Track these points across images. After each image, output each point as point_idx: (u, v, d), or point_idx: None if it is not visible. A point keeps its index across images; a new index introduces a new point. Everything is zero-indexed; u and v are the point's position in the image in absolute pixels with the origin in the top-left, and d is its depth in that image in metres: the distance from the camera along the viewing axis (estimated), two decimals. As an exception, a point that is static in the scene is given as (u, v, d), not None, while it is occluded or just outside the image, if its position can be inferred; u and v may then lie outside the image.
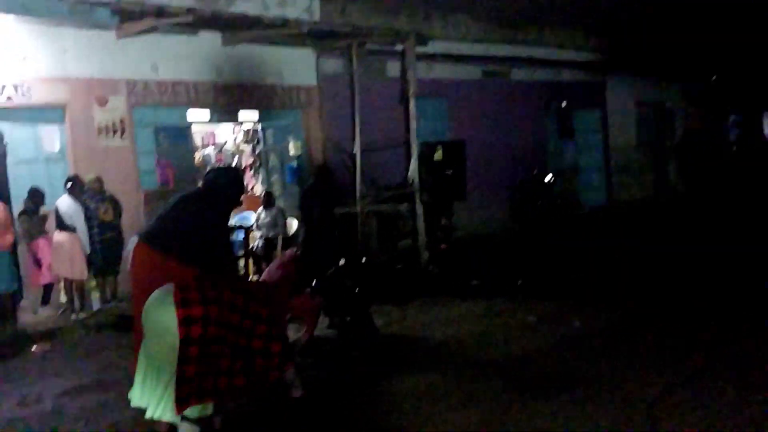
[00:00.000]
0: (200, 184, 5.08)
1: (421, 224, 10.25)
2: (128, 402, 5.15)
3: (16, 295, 8.73)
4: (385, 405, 5.08)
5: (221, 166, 6.13)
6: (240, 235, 10.96)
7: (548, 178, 14.88)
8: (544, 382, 5.37)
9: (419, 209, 10.41)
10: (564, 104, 16.23)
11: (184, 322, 3.72)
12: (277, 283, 5.49)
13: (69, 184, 9.07)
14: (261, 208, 11.20)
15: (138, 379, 3.95)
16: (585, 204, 16.84)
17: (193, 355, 3.73)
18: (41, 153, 10.39)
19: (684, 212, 14.82)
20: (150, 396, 3.88)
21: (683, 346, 6.04)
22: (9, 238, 8.36)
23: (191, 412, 3.96)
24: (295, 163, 12.43)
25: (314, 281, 6.52)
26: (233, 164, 13.92)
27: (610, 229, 13.75)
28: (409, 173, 11.04)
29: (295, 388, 5.22)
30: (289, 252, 7.57)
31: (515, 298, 8.39)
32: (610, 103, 17.61)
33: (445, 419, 4.68)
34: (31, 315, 8.96)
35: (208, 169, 8.63)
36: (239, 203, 5.15)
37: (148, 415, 3.89)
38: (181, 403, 3.75)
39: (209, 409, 4.10)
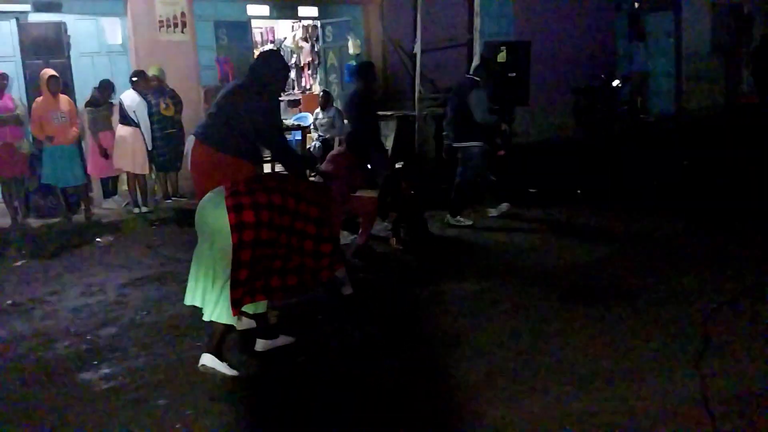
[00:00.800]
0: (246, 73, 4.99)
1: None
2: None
3: (84, 187, 8.98)
4: (435, 309, 5.13)
5: (264, 52, 5.97)
6: (297, 136, 10.97)
7: (615, 83, 14.32)
8: (597, 292, 5.31)
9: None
10: (636, 5, 15.39)
11: (237, 228, 3.76)
12: (328, 180, 5.49)
13: (134, 79, 9.13)
14: (318, 108, 11.11)
15: (191, 279, 4.05)
16: (652, 111, 16.23)
17: (245, 258, 3.78)
18: (104, 46, 10.46)
19: (756, 124, 14.15)
20: (204, 298, 3.97)
21: (744, 260, 5.85)
22: (75, 131, 8.52)
23: (246, 308, 4.07)
24: (353, 62, 12.22)
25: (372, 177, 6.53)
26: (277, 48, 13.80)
27: (677, 137, 13.27)
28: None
29: (345, 287, 5.33)
30: (338, 149, 7.51)
31: (573, 207, 8.25)
32: (684, 4, 16.61)
33: (496, 325, 4.70)
34: (96, 207, 9.23)
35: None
36: (284, 88, 5.06)
37: (205, 317, 4.00)
38: (236, 305, 3.84)
39: (261, 306, 4.19)
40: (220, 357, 4.05)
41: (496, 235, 7.28)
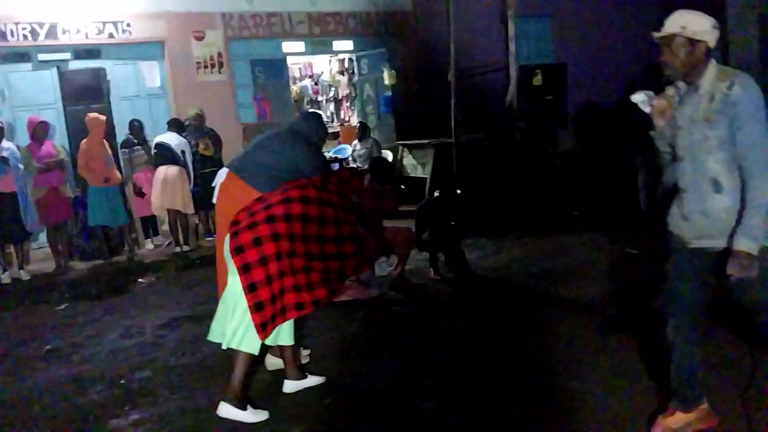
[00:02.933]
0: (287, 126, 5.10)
1: (519, 153, 9.90)
2: None
3: (128, 228, 9.14)
4: (467, 344, 4.97)
5: (304, 112, 6.14)
6: (335, 168, 10.98)
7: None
8: (641, 318, 5.10)
9: (517, 137, 10.05)
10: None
11: (235, 252, 3.78)
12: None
13: (170, 123, 9.34)
14: (356, 140, 11.13)
15: (216, 315, 4.02)
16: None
17: (259, 278, 3.74)
18: (143, 89, 10.69)
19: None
20: (225, 328, 3.94)
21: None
22: (116, 174, 8.70)
23: (271, 341, 4.03)
24: (390, 93, 12.24)
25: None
26: (317, 107, 13.98)
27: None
28: (506, 99, 10.63)
29: (371, 289, 5.24)
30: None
31: (618, 230, 8.01)
32: (729, 17, 16.21)
33: (534, 358, 4.53)
34: (138, 248, 9.36)
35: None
36: (321, 143, 5.06)
37: (224, 345, 3.95)
38: (263, 328, 3.79)
39: (288, 338, 4.14)
40: (243, 400, 3.96)
41: (537, 262, 7.09)
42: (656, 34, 3.14)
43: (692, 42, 3.05)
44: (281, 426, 3.88)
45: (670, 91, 3.29)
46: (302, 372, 4.37)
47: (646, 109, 3.35)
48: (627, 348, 4.51)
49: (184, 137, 9.33)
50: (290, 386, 4.28)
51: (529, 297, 6.00)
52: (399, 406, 4.03)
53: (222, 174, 4.80)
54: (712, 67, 3.08)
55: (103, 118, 8.61)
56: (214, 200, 4.83)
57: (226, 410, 3.91)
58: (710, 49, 3.09)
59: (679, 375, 3.33)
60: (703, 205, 3.08)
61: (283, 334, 4.08)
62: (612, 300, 5.60)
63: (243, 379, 3.98)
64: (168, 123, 9.40)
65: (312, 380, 4.34)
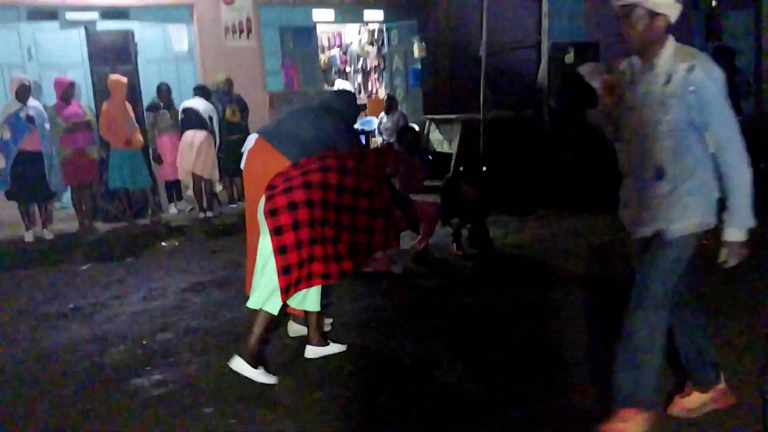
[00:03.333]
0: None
1: (546, 131, 9.75)
2: (244, 298, 5.39)
3: (151, 191, 9.15)
4: (488, 320, 4.92)
5: (338, 90, 6.06)
6: (362, 140, 10.92)
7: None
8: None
9: (546, 116, 9.89)
10: (714, 3, 14.77)
11: (269, 213, 3.77)
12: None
13: (196, 89, 9.31)
14: (383, 112, 11.04)
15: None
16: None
17: (290, 242, 3.73)
18: (170, 52, 10.65)
19: None
20: (254, 286, 3.98)
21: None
22: (138, 137, 8.69)
23: (296, 303, 4.10)
24: (419, 66, 12.10)
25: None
26: (345, 77, 13.86)
27: (755, 140, 12.61)
28: (537, 77, 10.45)
29: (395, 266, 5.22)
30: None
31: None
32: (765, 2, 15.83)
33: (553, 337, 4.48)
34: (161, 212, 9.38)
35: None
36: (354, 121, 5.03)
37: (249, 304, 3.99)
38: (286, 291, 3.80)
39: (314, 304, 4.18)
40: (256, 359, 3.99)
41: (560, 242, 7.01)
42: (616, 2, 2.91)
43: (652, 14, 2.83)
44: (303, 390, 3.87)
45: (623, 65, 3.09)
46: (325, 339, 4.37)
47: (595, 84, 3.18)
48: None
49: (212, 103, 9.30)
50: (313, 352, 4.28)
51: (551, 276, 5.93)
52: (418, 377, 4.00)
53: (252, 139, 4.74)
54: (670, 45, 2.89)
55: (125, 80, 8.58)
56: (242, 165, 4.78)
57: (238, 364, 3.96)
58: (670, 24, 2.87)
59: (688, 361, 3.27)
60: (643, 193, 2.97)
61: (310, 299, 4.10)
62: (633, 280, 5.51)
63: (260, 338, 4.01)
64: (194, 89, 9.37)
65: (334, 348, 4.33)
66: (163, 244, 7.91)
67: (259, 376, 3.94)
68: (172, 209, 9.68)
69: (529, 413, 3.48)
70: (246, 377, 3.93)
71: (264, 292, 3.92)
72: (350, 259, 4.01)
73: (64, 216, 9.33)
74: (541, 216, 8.05)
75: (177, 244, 7.93)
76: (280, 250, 3.78)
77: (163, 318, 5.34)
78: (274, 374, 4.00)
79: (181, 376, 4.17)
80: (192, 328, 5.05)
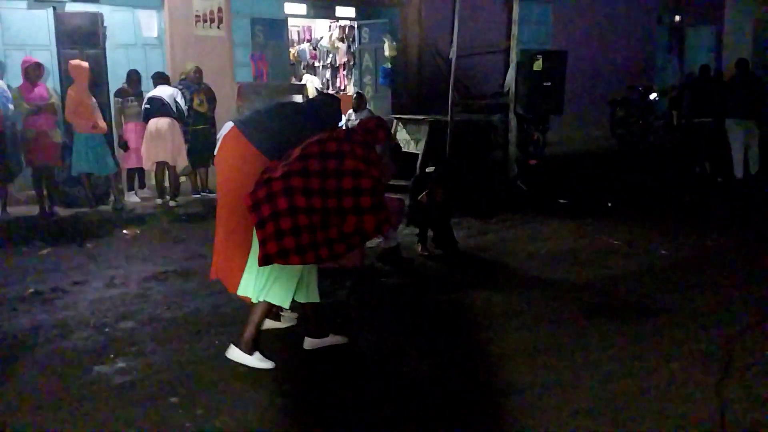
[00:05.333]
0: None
1: (512, 137, 9.90)
2: (208, 289, 5.41)
3: (115, 177, 9.02)
4: (453, 318, 5.02)
5: (325, 93, 6.09)
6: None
7: (653, 96, 14.08)
8: (621, 307, 5.20)
9: (513, 121, 10.04)
10: (677, 18, 15.14)
11: (251, 208, 3.84)
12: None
13: (156, 77, 9.22)
14: (351, 110, 11.06)
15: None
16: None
17: (266, 213, 3.76)
18: (140, 38, 10.53)
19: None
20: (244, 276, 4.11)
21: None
22: (103, 123, 8.59)
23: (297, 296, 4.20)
24: (389, 65, 12.17)
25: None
26: (313, 72, 13.83)
27: (714, 153, 12.97)
28: (505, 82, 10.59)
29: (385, 241, 5.97)
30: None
31: (603, 220, 8.10)
32: (727, 20, 16.29)
33: (515, 337, 4.58)
34: (123, 199, 9.28)
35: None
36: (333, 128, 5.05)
37: (254, 299, 4.10)
38: (266, 261, 3.81)
39: (313, 295, 4.28)
40: (251, 346, 4.06)
41: (523, 245, 7.14)
42: None
43: None
44: (270, 383, 3.90)
45: None
46: (325, 331, 4.43)
47: None
48: (607, 333, 4.57)
49: (180, 90, 9.23)
50: (310, 343, 4.36)
51: (514, 278, 6.05)
52: (386, 372, 4.08)
53: (227, 127, 4.72)
54: None
55: (86, 65, 8.46)
56: (215, 152, 4.77)
57: (234, 353, 4.05)
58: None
59: None
60: None
61: (312, 292, 4.21)
62: (594, 288, 5.67)
63: (257, 326, 4.09)
64: (153, 77, 9.24)
65: (332, 339, 4.40)
66: (125, 231, 7.82)
67: (254, 362, 4.03)
68: (133, 197, 9.57)
69: (492, 408, 3.57)
70: (209, 367, 3.97)
71: (267, 284, 4.03)
72: (342, 242, 3.95)
73: (24, 198, 9.16)
74: (503, 220, 8.17)
75: (139, 232, 7.85)
76: (262, 243, 3.81)
77: (126, 306, 5.30)
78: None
79: (146, 365, 4.16)
80: (155, 318, 5.03)
